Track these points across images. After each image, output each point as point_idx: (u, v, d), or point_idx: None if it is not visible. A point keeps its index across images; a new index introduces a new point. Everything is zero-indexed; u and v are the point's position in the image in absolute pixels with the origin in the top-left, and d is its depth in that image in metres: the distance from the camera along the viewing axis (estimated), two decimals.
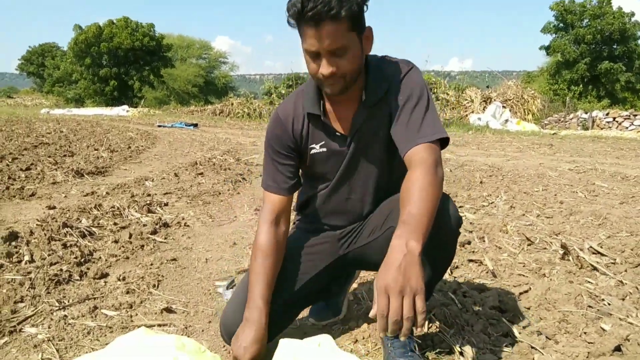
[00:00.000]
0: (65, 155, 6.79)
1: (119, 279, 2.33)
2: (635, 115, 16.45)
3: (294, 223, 1.85)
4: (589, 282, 2.26)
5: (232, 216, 3.77)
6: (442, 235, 1.43)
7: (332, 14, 1.24)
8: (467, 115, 18.25)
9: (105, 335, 1.81)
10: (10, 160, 5.97)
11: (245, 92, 28.55)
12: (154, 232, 3.12)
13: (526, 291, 2.18)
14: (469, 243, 2.90)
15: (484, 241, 2.95)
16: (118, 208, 3.64)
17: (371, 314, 1.14)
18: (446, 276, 2.40)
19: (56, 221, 3.09)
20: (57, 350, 1.67)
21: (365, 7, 1.34)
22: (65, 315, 1.92)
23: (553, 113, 19.81)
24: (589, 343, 1.68)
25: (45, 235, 2.80)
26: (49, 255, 2.53)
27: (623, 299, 2.05)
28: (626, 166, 6.58)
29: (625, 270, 2.38)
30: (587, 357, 1.58)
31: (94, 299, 2.11)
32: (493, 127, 15.68)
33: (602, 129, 16.30)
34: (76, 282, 2.26)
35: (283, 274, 1.63)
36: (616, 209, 3.85)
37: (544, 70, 33.04)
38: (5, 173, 5.01)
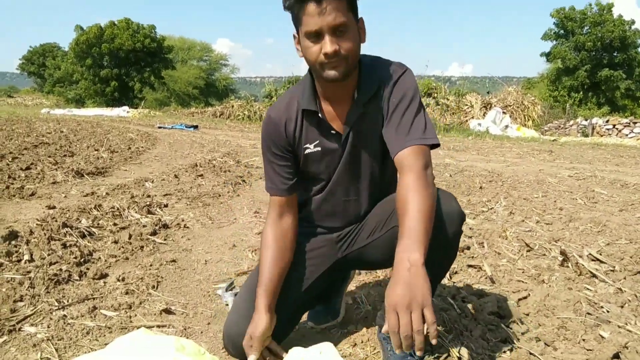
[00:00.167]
0: (65, 155, 6.79)
1: (118, 280, 2.33)
2: (635, 123, 16.50)
3: None
4: (588, 289, 2.26)
5: (231, 218, 3.77)
6: (444, 233, 1.44)
7: None
8: (467, 121, 18.30)
9: (105, 335, 1.81)
10: (10, 160, 5.97)
11: (246, 95, 28.59)
12: (154, 233, 3.12)
13: (525, 297, 2.18)
14: (468, 248, 2.91)
15: (484, 247, 2.96)
16: (118, 209, 3.64)
17: (383, 329, 1.18)
18: (445, 281, 2.40)
19: (56, 221, 3.09)
20: (56, 350, 1.67)
21: None
22: (65, 315, 1.92)
23: (553, 119, 19.86)
24: (587, 350, 1.68)
25: (45, 234, 2.80)
26: (48, 254, 2.53)
27: (622, 307, 2.05)
28: (626, 173, 6.59)
29: (625, 278, 2.38)
30: None
31: (93, 299, 2.11)
32: (493, 132, 15.71)
33: (602, 136, 16.34)
34: (75, 282, 2.27)
35: (284, 281, 1.63)
36: (615, 216, 3.85)
37: (544, 76, 33.12)
38: (5, 172, 5.01)
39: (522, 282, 2.38)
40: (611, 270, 2.50)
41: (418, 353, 1.13)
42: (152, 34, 38.38)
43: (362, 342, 1.80)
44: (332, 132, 1.54)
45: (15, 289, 2.08)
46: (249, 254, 2.89)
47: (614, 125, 16.77)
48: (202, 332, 1.91)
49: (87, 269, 2.42)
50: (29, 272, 2.28)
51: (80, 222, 3.19)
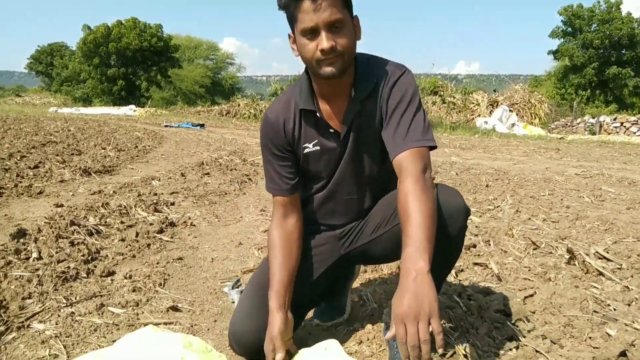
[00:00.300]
0: (72, 154, 6.84)
1: (125, 277, 2.35)
2: None
3: None
4: (594, 287, 2.25)
5: (238, 216, 3.79)
6: (450, 229, 1.45)
7: None
8: (473, 119, 18.23)
9: (112, 332, 1.82)
10: (18, 158, 6.01)
11: (252, 93, 28.67)
12: (161, 231, 3.14)
13: (531, 295, 2.18)
14: (475, 246, 2.90)
15: (490, 245, 2.95)
16: (125, 207, 3.66)
17: (388, 336, 1.19)
18: (451, 279, 2.40)
19: (64, 219, 3.12)
20: (64, 347, 1.68)
21: None
22: (73, 312, 1.94)
23: (560, 117, 19.74)
24: (594, 348, 1.67)
25: (53, 232, 2.83)
26: (56, 252, 2.55)
27: (629, 305, 2.04)
28: (633, 171, 6.55)
29: (632, 276, 2.37)
30: None
31: (101, 296, 2.13)
32: (499, 130, 15.65)
33: (609, 134, 16.22)
34: (83, 280, 2.28)
35: None
36: (623, 214, 3.83)
37: (551, 74, 32.91)
38: (13, 171, 5.05)
39: (529, 280, 2.38)
40: (618, 269, 2.49)
41: None
42: (158, 33, 38.48)
43: (368, 339, 1.80)
44: (331, 130, 1.54)
45: (24, 286, 2.10)
46: (255, 251, 2.90)
47: (622, 123, 16.64)
48: (208, 330, 1.92)
49: (95, 266, 2.44)
50: (37, 269, 2.30)
51: (87, 220, 3.21)
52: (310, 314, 1.97)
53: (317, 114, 1.52)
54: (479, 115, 18.39)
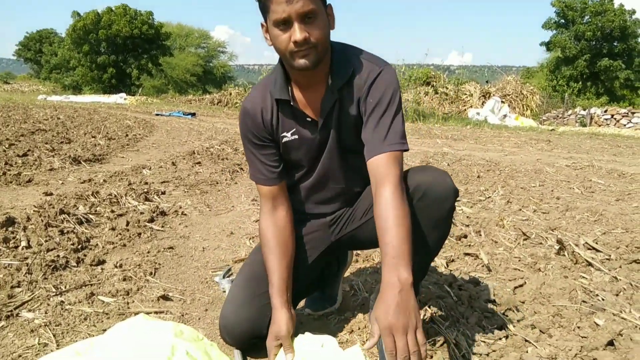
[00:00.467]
0: (62, 142, 6.77)
1: (115, 266, 2.34)
2: (633, 113, 16.50)
3: None
4: (583, 277, 2.27)
5: (229, 206, 3.78)
6: (439, 210, 1.46)
7: None
8: (465, 110, 18.25)
9: (102, 321, 1.81)
10: (6, 146, 5.94)
11: (244, 82, 28.47)
12: (151, 220, 3.12)
13: (521, 285, 2.19)
14: (466, 237, 2.91)
15: (481, 235, 2.97)
16: (115, 196, 3.63)
17: (368, 345, 1.24)
18: (442, 269, 2.41)
19: (53, 207, 3.09)
20: (54, 335, 1.67)
21: None
22: (62, 301, 1.92)
23: (551, 109, 19.84)
24: (582, 337, 1.69)
25: (42, 221, 2.80)
26: (46, 241, 2.53)
27: (617, 295, 2.06)
28: (623, 163, 6.60)
29: (620, 267, 2.39)
30: (580, 351, 1.59)
31: (91, 285, 2.11)
32: (491, 122, 15.69)
33: (600, 125, 16.33)
34: (73, 269, 2.27)
35: None
36: (612, 205, 3.87)
37: (543, 66, 33.03)
38: (1, 159, 4.99)
39: (519, 270, 2.40)
40: (607, 259, 2.51)
41: None
42: (149, 21, 38.03)
43: (359, 328, 1.81)
44: (308, 119, 1.53)
45: (13, 275, 2.08)
46: (247, 241, 2.90)
47: (612, 115, 16.76)
48: (199, 319, 1.92)
49: (85, 255, 2.42)
50: (27, 258, 2.29)
51: (77, 208, 3.18)
52: (302, 303, 1.98)
53: (292, 104, 1.50)
54: (471, 106, 18.41)
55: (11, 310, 1.81)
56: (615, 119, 16.61)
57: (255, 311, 1.61)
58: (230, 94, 24.43)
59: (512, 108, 18.25)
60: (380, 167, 1.37)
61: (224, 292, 2.13)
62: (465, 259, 2.59)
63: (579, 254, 2.51)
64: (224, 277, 2.25)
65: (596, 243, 2.73)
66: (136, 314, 1.78)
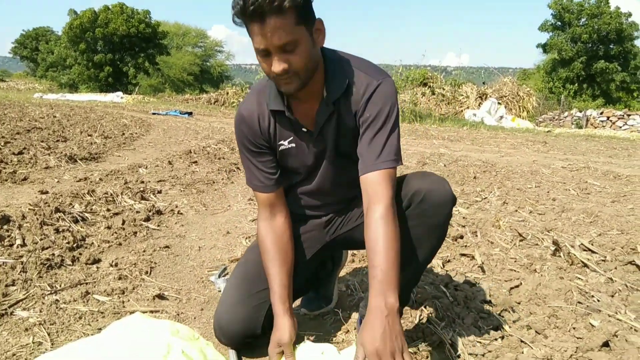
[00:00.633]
0: (58, 141, 6.74)
1: (111, 265, 2.33)
2: (629, 115, 16.58)
3: None
4: (579, 278, 2.28)
5: (225, 205, 3.77)
6: (435, 216, 1.46)
7: (274, 6, 1.19)
8: (462, 111, 18.29)
9: (97, 320, 1.81)
10: (2, 144, 5.91)
11: (241, 82, 28.41)
12: (147, 219, 3.11)
13: (517, 286, 2.20)
14: (462, 237, 2.92)
15: (477, 236, 2.97)
16: (111, 194, 3.62)
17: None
18: (438, 269, 2.42)
19: (48, 206, 3.07)
20: (49, 334, 1.66)
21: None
22: (57, 300, 1.91)
23: (548, 111, 19.90)
24: (577, 338, 1.69)
25: (37, 219, 2.79)
26: (41, 239, 2.52)
27: (612, 296, 2.07)
28: (618, 165, 6.63)
29: (615, 268, 2.40)
30: (576, 352, 1.60)
31: (86, 284, 2.10)
32: (488, 123, 15.72)
33: (595, 127, 16.40)
34: (68, 267, 2.26)
35: None
36: (608, 207, 3.88)
37: (540, 67, 33.13)
38: None
39: (515, 271, 2.40)
40: (602, 260, 2.52)
41: None
42: (146, 19, 37.97)
43: (354, 328, 1.81)
44: (304, 130, 1.51)
45: (7, 273, 2.07)
46: (243, 240, 2.89)
47: (608, 118, 16.84)
48: (195, 318, 1.91)
49: (80, 254, 2.41)
50: (21, 256, 2.27)
51: (73, 207, 3.17)
52: (297, 302, 1.97)
53: (287, 114, 1.47)
54: (468, 108, 18.44)
55: (5, 309, 1.80)
56: (611, 121, 16.69)
57: (249, 311, 1.60)
58: (227, 93, 24.42)
59: (508, 109, 18.30)
60: (372, 185, 1.37)
61: (220, 291, 2.12)
62: (461, 259, 2.59)
63: (575, 255, 2.52)
64: (219, 277, 2.24)
65: (592, 244, 2.73)
66: (132, 313, 1.77)
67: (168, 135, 8.77)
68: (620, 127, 16.15)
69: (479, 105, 18.41)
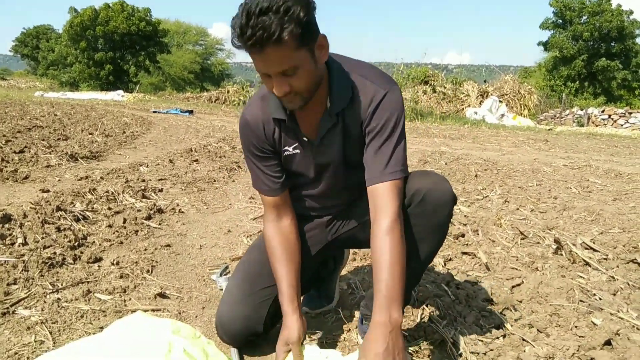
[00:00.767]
0: (59, 139, 6.74)
1: (112, 264, 2.33)
2: (630, 113, 16.56)
3: None
4: (581, 276, 2.28)
5: (226, 204, 3.77)
6: (436, 216, 1.45)
7: (273, 39, 1.17)
8: (463, 109, 18.27)
9: (99, 319, 1.81)
10: (3, 143, 5.91)
11: (242, 80, 28.39)
12: (148, 218, 3.11)
13: (519, 284, 2.20)
14: (463, 236, 2.92)
15: (478, 234, 2.97)
16: (112, 193, 3.62)
17: None
18: (440, 268, 2.41)
19: (50, 204, 3.08)
20: (50, 333, 1.67)
21: (312, 18, 1.25)
22: (59, 299, 1.91)
23: (549, 109, 19.88)
24: (579, 337, 1.69)
25: (39, 218, 2.79)
26: (42, 238, 2.52)
27: (614, 294, 2.07)
28: (620, 163, 6.62)
29: (617, 266, 2.40)
30: (578, 350, 1.60)
31: (88, 282, 2.10)
32: (489, 121, 15.71)
33: (597, 125, 16.38)
34: (70, 266, 2.26)
35: None
36: (609, 205, 3.87)
37: (541, 65, 33.09)
38: None
39: (516, 269, 2.40)
40: (604, 259, 2.52)
41: None
42: (147, 17, 37.92)
43: (356, 327, 1.81)
44: (305, 139, 1.50)
45: (9, 272, 2.07)
46: (244, 239, 2.89)
47: (610, 116, 16.81)
48: (196, 317, 1.91)
49: (82, 252, 2.41)
50: (23, 255, 2.27)
51: (74, 206, 3.17)
52: None
53: (288, 123, 1.46)
54: (469, 106, 18.42)
55: (7, 308, 1.80)
56: (612, 119, 16.66)
57: (250, 309, 1.60)
58: (228, 91, 24.40)
59: (509, 107, 18.27)
60: (380, 196, 1.37)
61: (221, 290, 2.12)
62: (462, 257, 2.59)
63: (577, 253, 2.52)
64: (221, 275, 2.24)
65: (593, 243, 2.73)
66: (133, 311, 1.77)
67: (169, 134, 8.77)
68: (622, 125, 16.12)
69: (480, 103, 18.39)
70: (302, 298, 1.98)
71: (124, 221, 2.96)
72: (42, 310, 1.82)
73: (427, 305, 1.95)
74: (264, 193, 1.59)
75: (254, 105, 1.54)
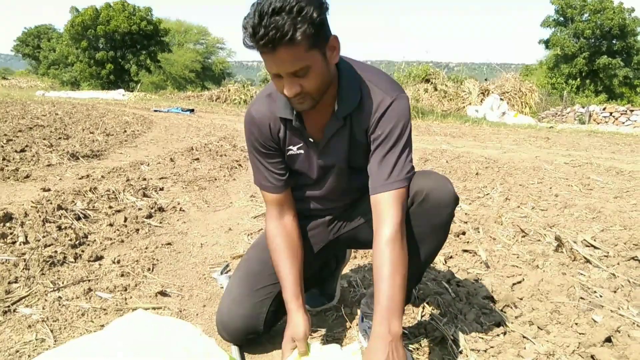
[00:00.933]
0: (60, 138, 6.75)
1: (113, 262, 2.33)
2: (631, 111, 16.52)
3: None
4: (581, 274, 2.28)
5: (227, 202, 3.77)
6: (438, 216, 1.45)
7: (286, 39, 1.16)
8: (464, 107, 18.25)
9: (100, 317, 1.81)
10: (4, 142, 5.92)
11: (242, 79, 28.38)
12: (149, 216, 3.12)
13: (519, 282, 2.19)
14: (464, 233, 2.91)
15: (479, 232, 2.97)
16: (113, 191, 3.62)
17: None
18: (440, 265, 2.41)
19: (51, 203, 3.08)
20: (52, 331, 1.67)
21: (325, 19, 1.24)
22: (60, 297, 1.92)
23: (550, 106, 19.85)
24: (580, 334, 1.69)
25: (39, 217, 2.79)
26: (43, 237, 2.52)
27: (615, 292, 2.07)
28: (621, 161, 6.61)
29: (618, 264, 2.40)
30: (578, 347, 1.60)
31: (89, 281, 2.11)
32: (490, 119, 15.70)
33: (598, 123, 16.35)
34: (71, 264, 2.26)
35: None
36: (610, 203, 3.87)
37: (542, 63, 33.02)
38: None
39: (517, 267, 2.40)
40: (605, 256, 2.52)
41: None
42: (148, 17, 37.94)
43: (357, 324, 1.81)
44: (311, 140, 1.50)
45: (10, 271, 2.08)
46: (245, 237, 2.89)
47: (611, 113, 16.78)
48: (197, 315, 1.92)
49: (82, 251, 2.42)
50: (24, 253, 2.28)
51: (75, 204, 3.17)
52: None
53: (295, 123, 1.46)
54: (470, 104, 18.40)
55: (8, 306, 1.80)
56: (613, 116, 16.63)
57: (250, 307, 1.61)
58: (229, 90, 24.38)
59: (510, 105, 18.24)
60: (382, 206, 1.37)
61: (222, 288, 2.13)
62: (463, 255, 2.59)
63: (577, 251, 2.52)
64: (221, 274, 2.25)
65: (594, 240, 2.73)
66: (134, 309, 1.78)
67: (170, 133, 8.78)
68: (623, 123, 16.09)
69: (481, 101, 18.37)
70: None
71: (125, 220, 2.96)
72: (43, 308, 1.82)
73: (427, 303, 1.95)
74: (267, 190, 1.59)
75: (260, 102, 1.53)
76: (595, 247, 2.64)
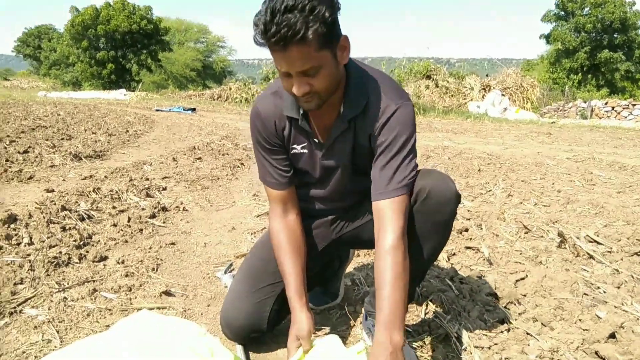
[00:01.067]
0: (63, 139, 6.76)
1: (118, 262, 2.34)
2: (634, 105, 16.47)
3: None
4: (585, 270, 2.28)
5: (230, 201, 3.78)
6: (440, 214, 1.45)
7: (297, 38, 1.16)
8: (466, 103, 18.22)
9: (105, 317, 1.82)
10: (7, 143, 5.93)
11: (244, 77, 28.39)
12: (153, 216, 3.13)
13: (522, 278, 2.20)
14: (467, 230, 2.92)
15: (482, 228, 2.97)
16: (117, 192, 3.63)
17: None
18: (443, 263, 2.42)
19: (55, 204, 3.09)
20: (57, 332, 1.68)
21: (337, 18, 1.25)
22: (65, 297, 1.93)
23: (552, 102, 19.80)
24: (584, 330, 1.70)
25: (44, 218, 2.80)
26: (48, 238, 2.53)
27: (618, 287, 2.07)
28: (624, 155, 6.59)
29: (621, 259, 2.40)
30: (582, 343, 1.60)
31: (94, 281, 2.12)
32: (492, 115, 15.67)
33: (600, 118, 16.30)
34: (75, 265, 2.27)
35: None
36: (613, 198, 3.86)
37: (543, 58, 32.92)
38: (2, 156, 4.98)
39: (520, 263, 2.40)
40: (608, 252, 2.52)
41: None
42: (148, 16, 37.89)
43: (360, 323, 1.81)
44: (315, 140, 1.50)
45: (16, 272, 2.09)
46: (248, 236, 2.90)
47: (613, 108, 16.73)
48: (201, 314, 1.93)
49: (87, 251, 2.43)
50: (29, 255, 2.29)
51: (79, 205, 3.19)
52: None
53: (301, 123, 1.47)
54: (472, 100, 18.37)
55: (14, 307, 1.82)
56: (615, 111, 16.58)
57: (254, 306, 1.61)
58: (230, 88, 24.36)
59: (512, 101, 18.21)
60: (383, 213, 1.37)
61: (226, 287, 2.13)
62: (466, 252, 2.59)
63: (580, 246, 2.52)
64: (225, 273, 2.25)
65: (597, 236, 2.73)
66: (139, 309, 1.78)
67: (172, 132, 8.78)
68: (626, 117, 16.05)
69: (482, 97, 18.34)
70: None
71: (129, 220, 2.97)
72: (49, 309, 1.83)
73: (431, 301, 1.95)
74: (272, 186, 1.59)
75: (266, 99, 1.53)
76: (598, 243, 2.64)
